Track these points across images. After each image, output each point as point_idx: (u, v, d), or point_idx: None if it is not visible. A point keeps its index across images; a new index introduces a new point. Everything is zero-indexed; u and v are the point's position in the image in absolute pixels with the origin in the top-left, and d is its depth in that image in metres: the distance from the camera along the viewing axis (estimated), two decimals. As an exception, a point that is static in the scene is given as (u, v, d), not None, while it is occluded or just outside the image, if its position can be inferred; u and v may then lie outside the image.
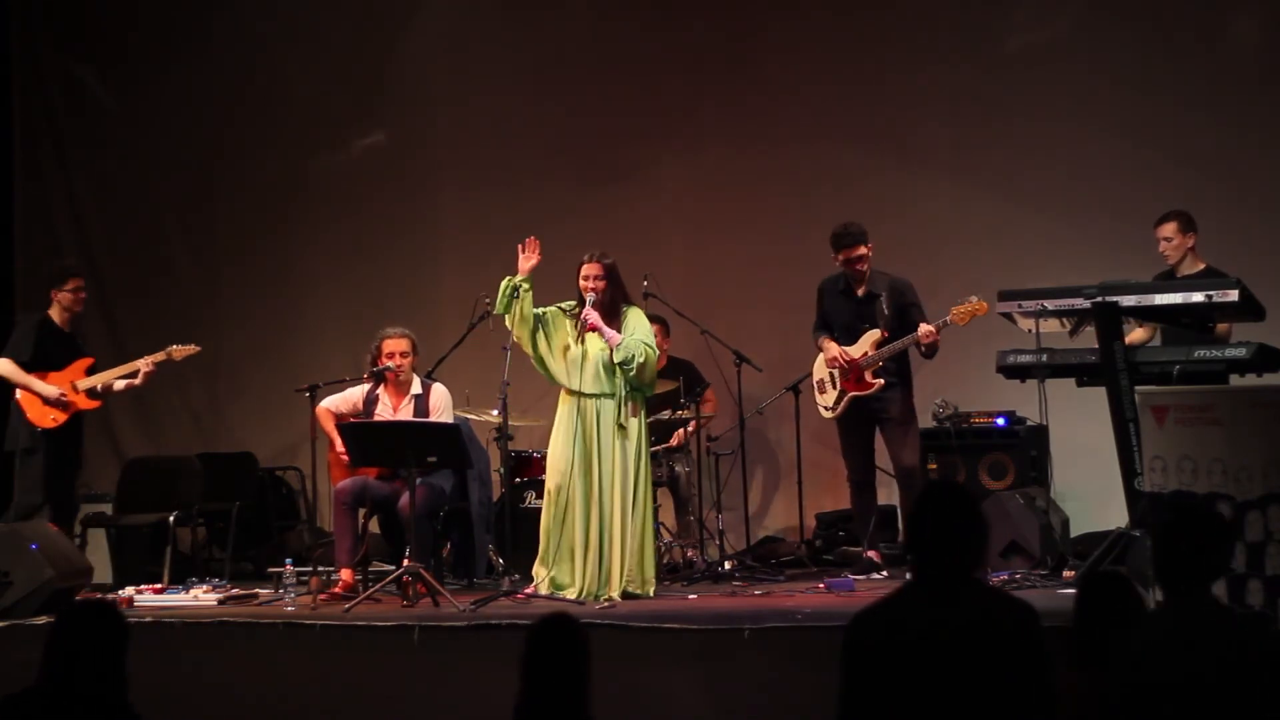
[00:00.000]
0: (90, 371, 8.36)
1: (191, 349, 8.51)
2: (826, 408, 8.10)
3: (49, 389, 8.19)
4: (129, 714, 4.00)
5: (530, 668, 3.92)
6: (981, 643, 3.59)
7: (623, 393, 7.33)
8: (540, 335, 7.38)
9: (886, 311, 7.91)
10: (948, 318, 7.73)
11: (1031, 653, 3.64)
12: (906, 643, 3.62)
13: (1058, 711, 3.84)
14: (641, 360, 7.29)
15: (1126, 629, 3.92)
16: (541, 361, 7.40)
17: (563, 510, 7.29)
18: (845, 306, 8.05)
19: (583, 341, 7.37)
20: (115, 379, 8.40)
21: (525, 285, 7.26)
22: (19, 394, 8.23)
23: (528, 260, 7.29)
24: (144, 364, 8.34)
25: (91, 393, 8.33)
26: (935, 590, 3.69)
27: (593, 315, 7.31)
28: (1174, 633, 3.76)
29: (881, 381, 7.89)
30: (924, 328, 7.72)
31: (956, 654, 3.58)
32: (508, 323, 7.34)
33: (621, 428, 7.30)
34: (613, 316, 7.37)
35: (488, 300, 7.80)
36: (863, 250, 7.91)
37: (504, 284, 7.30)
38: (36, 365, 8.24)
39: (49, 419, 8.19)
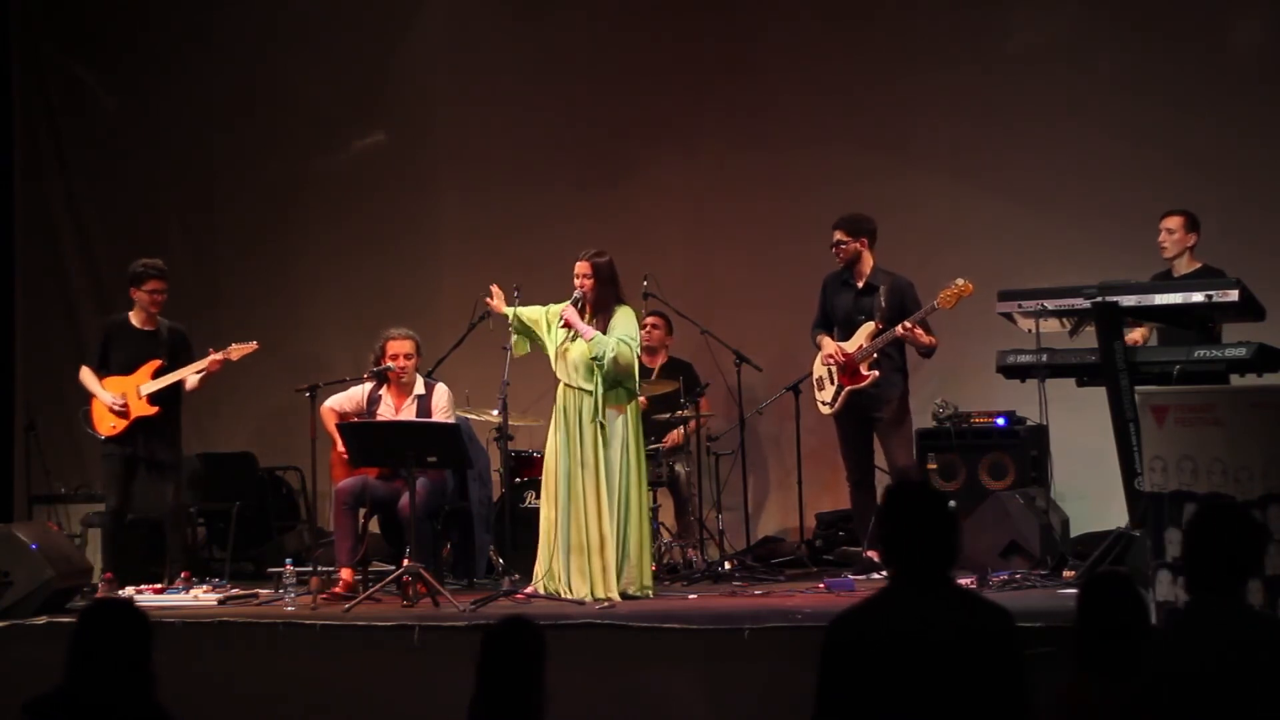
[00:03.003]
0: (159, 374, 8.03)
1: (250, 346, 8.12)
2: (825, 403, 8.10)
3: (105, 395, 7.96)
4: (158, 713, 3.98)
5: (486, 669, 3.97)
6: (960, 645, 3.60)
7: (600, 390, 7.34)
8: (538, 335, 7.52)
9: (884, 304, 7.91)
10: (935, 302, 7.75)
11: (1008, 656, 3.66)
12: (885, 644, 3.63)
13: (1063, 716, 3.85)
14: (613, 355, 7.29)
15: (1136, 631, 3.91)
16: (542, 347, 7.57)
17: (556, 509, 7.32)
18: (845, 298, 8.07)
19: (570, 338, 7.41)
20: (184, 378, 8.03)
21: (514, 322, 7.49)
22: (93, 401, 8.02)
23: (497, 307, 7.63)
24: (208, 362, 8.00)
25: (154, 397, 7.97)
26: (914, 592, 3.69)
27: (568, 312, 7.36)
28: (1200, 632, 3.76)
29: (876, 374, 7.88)
30: (900, 326, 7.74)
31: (935, 656, 3.59)
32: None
33: (601, 426, 7.31)
34: (601, 314, 7.39)
35: (488, 300, 7.82)
36: (839, 236, 7.97)
37: (512, 333, 7.54)
38: (107, 369, 8.01)
39: (109, 426, 7.96)
